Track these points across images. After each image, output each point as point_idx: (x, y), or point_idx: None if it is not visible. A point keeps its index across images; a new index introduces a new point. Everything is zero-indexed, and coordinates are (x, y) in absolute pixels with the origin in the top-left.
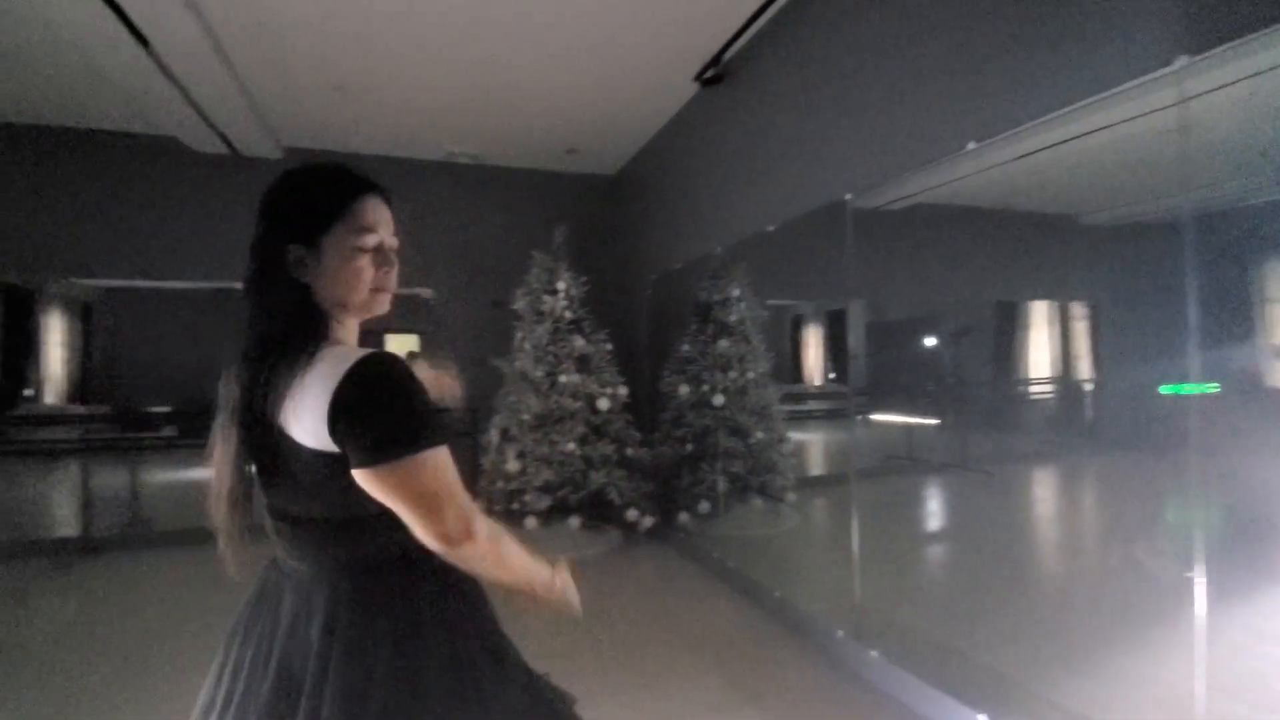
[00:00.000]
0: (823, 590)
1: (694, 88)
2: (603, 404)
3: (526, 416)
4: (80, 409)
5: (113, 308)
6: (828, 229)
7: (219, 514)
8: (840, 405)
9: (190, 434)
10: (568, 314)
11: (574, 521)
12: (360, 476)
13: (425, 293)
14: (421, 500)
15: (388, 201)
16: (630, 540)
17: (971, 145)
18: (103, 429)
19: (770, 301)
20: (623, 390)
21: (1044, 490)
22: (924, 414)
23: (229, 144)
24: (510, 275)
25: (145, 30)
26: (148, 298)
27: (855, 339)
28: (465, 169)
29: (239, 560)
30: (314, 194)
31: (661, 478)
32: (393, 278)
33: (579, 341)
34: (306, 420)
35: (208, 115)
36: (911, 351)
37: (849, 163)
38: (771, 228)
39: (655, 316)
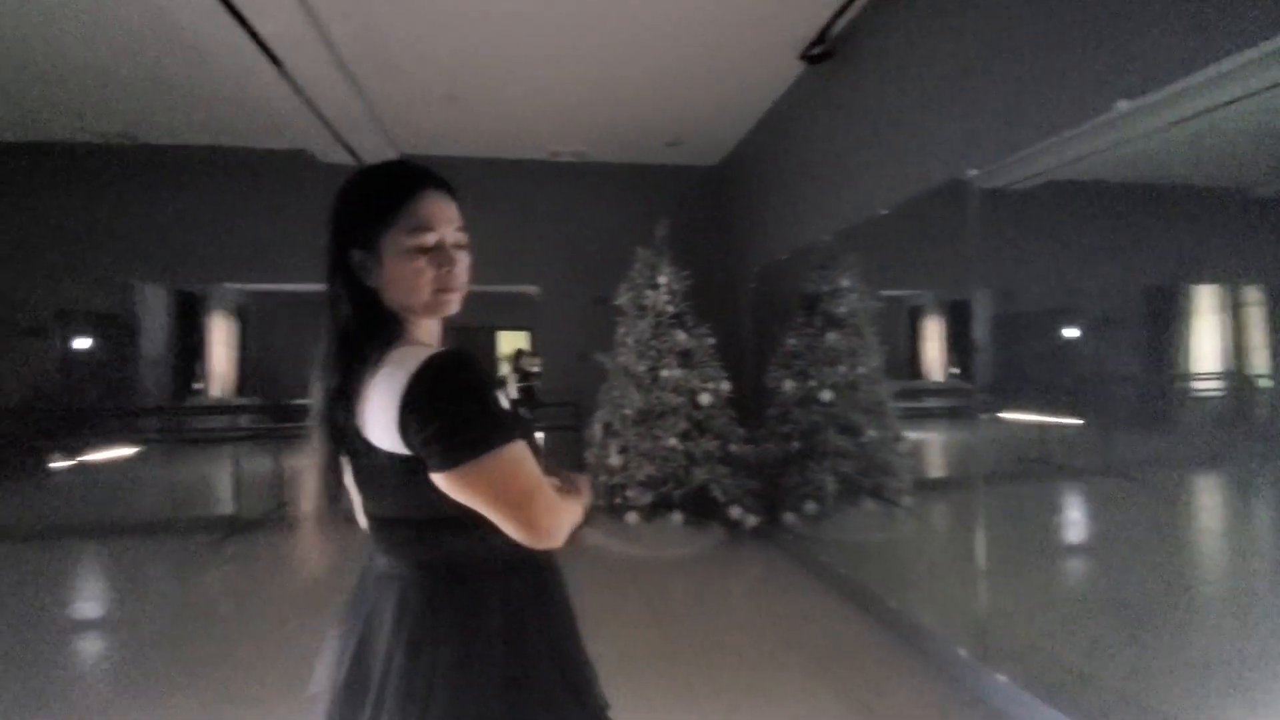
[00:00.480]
0: (943, 603)
1: (799, 67)
2: (705, 399)
3: (629, 411)
4: (239, 401)
5: (263, 309)
6: (948, 211)
7: (306, 508)
8: (963, 403)
9: None
10: (669, 308)
11: (676, 518)
12: (438, 480)
13: (531, 290)
14: (503, 499)
15: (452, 195)
16: (734, 539)
17: (1122, 105)
18: (256, 419)
19: (885, 292)
20: (725, 385)
21: (1209, 500)
22: (1063, 413)
23: (353, 154)
24: (614, 271)
25: (278, 52)
26: (291, 300)
27: (981, 331)
28: (569, 167)
29: (321, 553)
30: (369, 195)
31: (766, 476)
32: (458, 276)
33: (681, 336)
34: (379, 423)
35: (334, 127)
36: (1048, 344)
37: (971, 137)
38: (884, 211)
39: (759, 309)
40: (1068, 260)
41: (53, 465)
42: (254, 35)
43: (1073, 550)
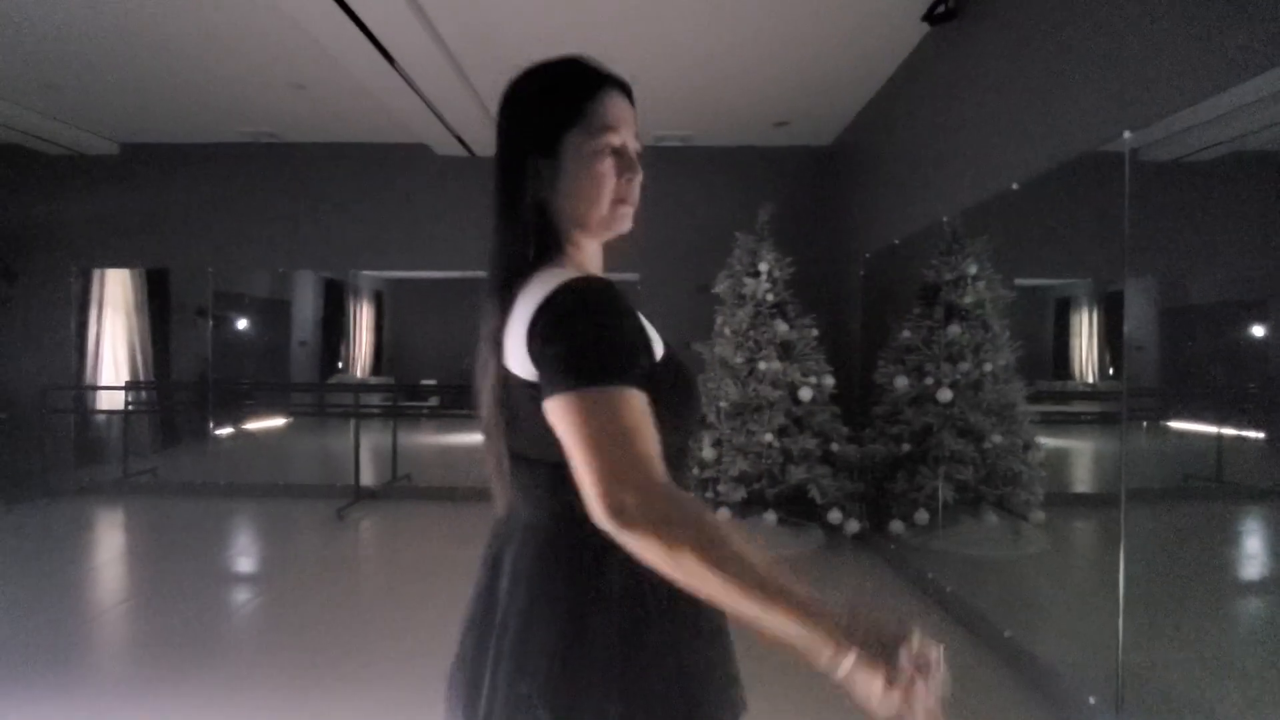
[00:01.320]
0: (1072, 639)
1: (920, 31)
2: (805, 394)
3: (724, 404)
4: (375, 380)
5: (397, 295)
6: (1098, 186)
7: (486, 444)
8: (1115, 408)
9: (450, 405)
10: (770, 297)
11: (770, 517)
12: (546, 409)
13: (632, 277)
14: (587, 443)
15: (630, 98)
16: (832, 544)
17: None
18: (388, 397)
19: (1021, 281)
20: (829, 380)
21: None
22: (1244, 424)
23: (466, 146)
24: (717, 258)
25: (391, 49)
26: (421, 285)
27: (1139, 326)
28: (673, 152)
29: (502, 498)
30: (547, 94)
31: (871, 479)
32: (636, 188)
33: (781, 326)
34: (514, 345)
35: (446, 121)
36: (1227, 343)
37: (1126, 99)
38: (1015, 185)
39: (870, 299)
40: (1263, 246)
41: (218, 432)
42: (370, 35)
43: (1241, 588)
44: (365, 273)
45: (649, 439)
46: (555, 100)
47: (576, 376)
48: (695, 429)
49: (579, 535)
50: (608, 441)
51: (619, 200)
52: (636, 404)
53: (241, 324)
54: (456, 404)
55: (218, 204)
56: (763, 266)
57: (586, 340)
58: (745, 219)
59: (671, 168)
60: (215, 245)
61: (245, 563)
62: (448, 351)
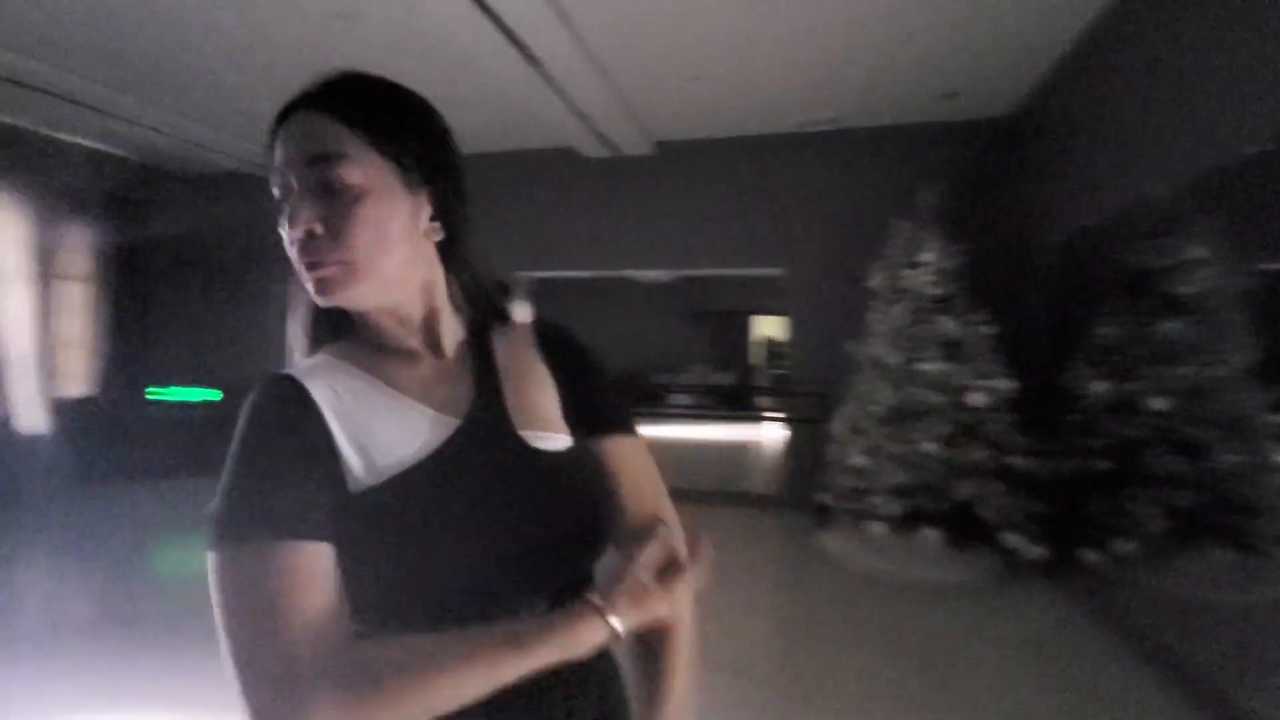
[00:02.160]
0: None
1: None
2: (976, 399)
3: (877, 408)
4: None
5: (548, 295)
6: None
7: None
8: None
9: None
10: (933, 290)
11: (931, 535)
12: None
13: (776, 272)
14: (222, 626)
15: (328, 112)
16: (1009, 571)
17: None
18: None
19: (1265, 266)
20: (1005, 384)
21: None
22: None
23: (610, 146)
24: (872, 249)
25: (536, 52)
26: (565, 286)
27: None
28: (819, 138)
29: None
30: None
31: (1058, 499)
32: (302, 240)
33: (947, 323)
34: None
35: (590, 121)
36: None
37: None
38: (1256, 149)
39: (1059, 290)
40: None
41: None
42: (514, 40)
43: None
44: (524, 274)
45: (299, 607)
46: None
47: (214, 533)
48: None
49: None
50: (233, 625)
51: (301, 261)
52: (276, 562)
53: None
54: None
55: None
56: (925, 256)
57: (232, 480)
58: (904, 205)
59: (818, 155)
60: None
61: None
62: (594, 350)
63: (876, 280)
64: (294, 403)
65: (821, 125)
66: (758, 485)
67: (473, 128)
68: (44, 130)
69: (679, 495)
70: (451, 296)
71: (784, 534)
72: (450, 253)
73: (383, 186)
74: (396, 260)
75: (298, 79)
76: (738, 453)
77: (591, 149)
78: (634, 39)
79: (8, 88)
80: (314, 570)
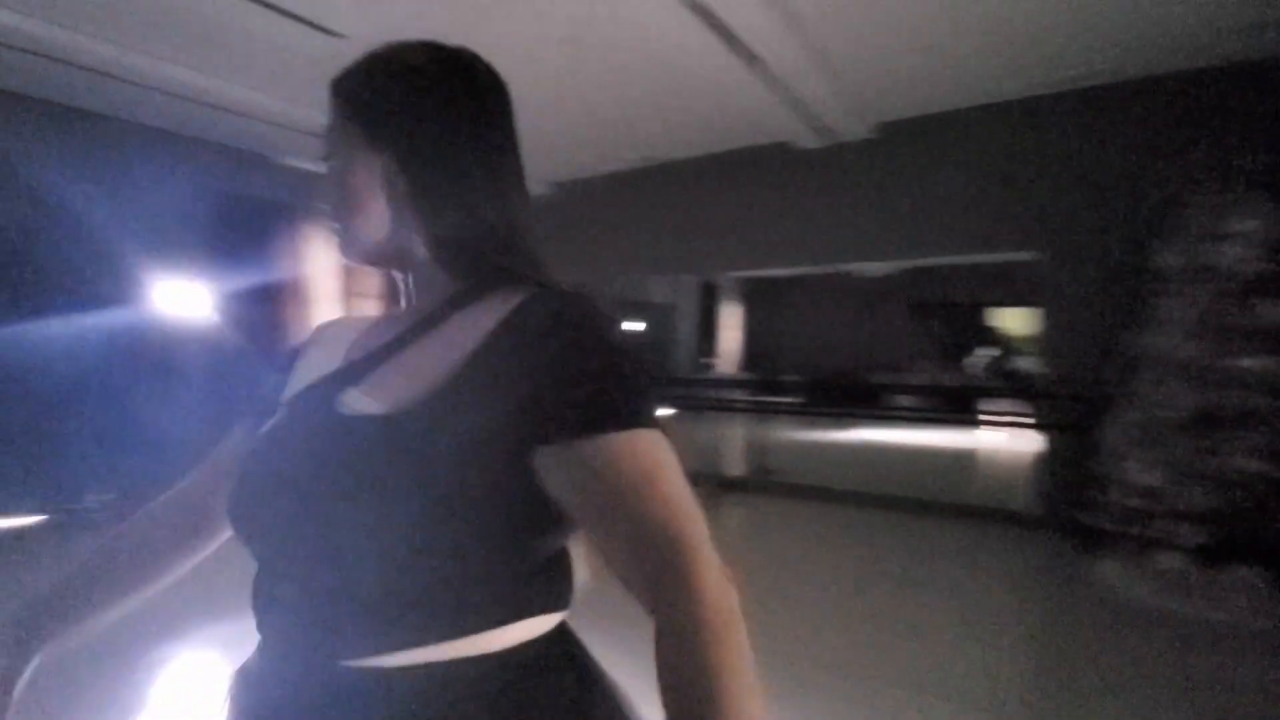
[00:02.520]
0: None
1: None
2: None
3: (1171, 414)
4: (741, 376)
5: (758, 293)
6: None
7: None
8: None
9: (815, 402)
10: (1250, 268)
11: (1245, 573)
12: None
13: (1028, 256)
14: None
15: (330, 93)
16: None
17: None
18: (752, 392)
19: None
20: None
21: None
22: None
23: (827, 135)
24: (1151, 223)
25: (756, 50)
26: (779, 284)
27: None
28: (1078, 95)
29: None
30: None
31: None
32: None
33: (1270, 308)
34: None
35: (808, 110)
36: None
37: None
38: None
39: None
40: None
41: None
42: (734, 41)
43: None
44: (734, 274)
45: None
46: None
47: (628, 415)
48: None
49: None
50: (676, 490)
51: None
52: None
53: (639, 325)
54: (822, 401)
55: (622, 223)
56: (1240, 227)
57: (621, 372)
58: (1190, 169)
59: (1074, 117)
60: (627, 256)
61: None
62: (810, 349)
63: (1167, 259)
64: None
65: (1080, 81)
66: (998, 499)
67: (690, 133)
68: None
69: (903, 505)
70: (439, 257)
71: (1040, 558)
72: (422, 209)
73: (348, 148)
74: (370, 219)
75: (535, 106)
76: (970, 461)
77: (808, 140)
78: (853, 17)
79: None
80: None
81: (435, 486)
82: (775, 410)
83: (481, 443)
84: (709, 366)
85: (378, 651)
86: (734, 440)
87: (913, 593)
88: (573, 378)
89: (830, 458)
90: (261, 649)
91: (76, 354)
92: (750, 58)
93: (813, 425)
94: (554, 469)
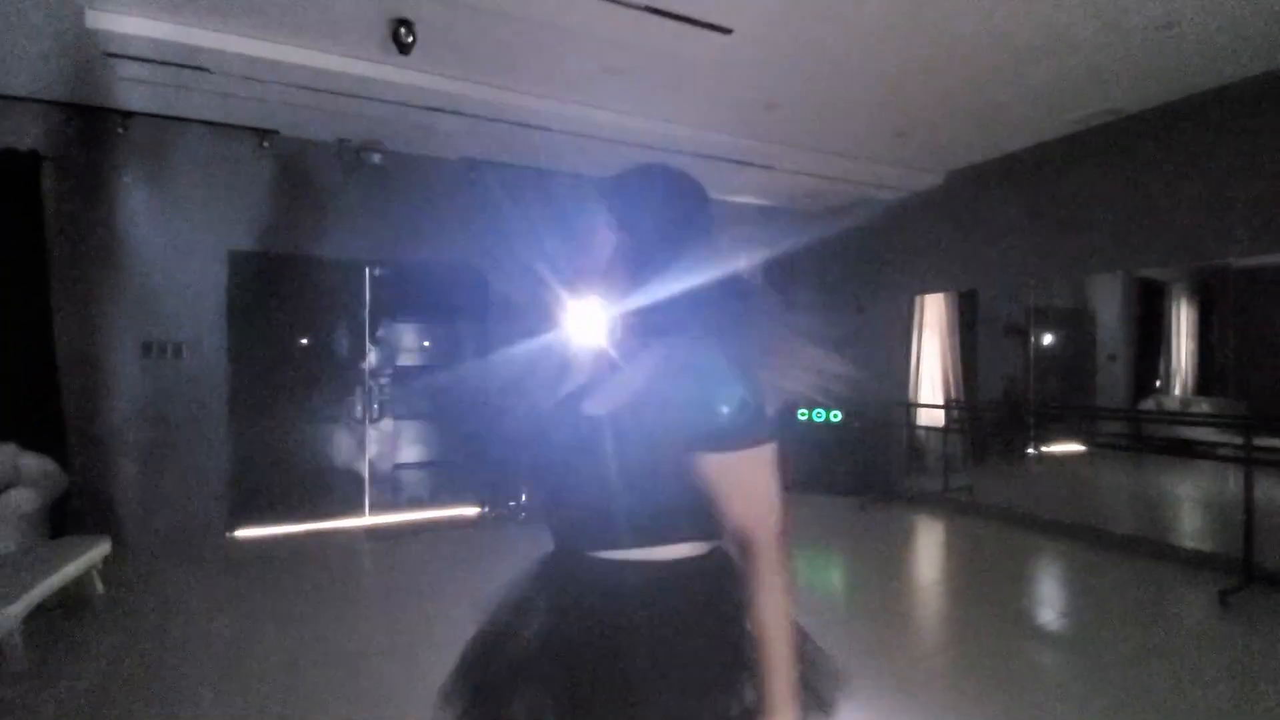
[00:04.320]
0: None
1: None
2: None
3: None
4: (1204, 404)
5: (1238, 289)
6: None
7: None
8: None
9: None
10: None
11: None
12: None
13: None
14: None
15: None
16: None
17: None
18: (1219, 431)
19: None
20: None
21: None
22: None
23: None
24: None
25: None
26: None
27: None
28: None
29: None
30: None
31: None
32: None
33: None
34: None
35: None
36: None
37: None
38: None
39: None
40: None
41: (1027, 453)
42: None
43: None
44: (1198, 264)
45: None
46: None
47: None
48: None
49: None
50: (771, 489)
51: None
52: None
53: (1049, 338)
54: None
55: (1019, 220)
56: None
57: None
58: None
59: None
60: (1025, 260)
61: (1070, 620)
62: None
63: None
64: None
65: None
66: None
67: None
68: None
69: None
70: (636, 312)
71: None
72: (635, 273)
73: (602, 228)
74: (606, 281)
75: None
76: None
77: None
78: None
79: None
80: None
81: (635, 459)
82: (1262, 460)
83: (656, 438)
84: (1155, 391)
85: (608, 548)
86: (1233, 503)
87: None
88: (700, 406)
89: None
90: (553, 546)
91: (510, 374)
92: None
93: None
94: (697, 465)
